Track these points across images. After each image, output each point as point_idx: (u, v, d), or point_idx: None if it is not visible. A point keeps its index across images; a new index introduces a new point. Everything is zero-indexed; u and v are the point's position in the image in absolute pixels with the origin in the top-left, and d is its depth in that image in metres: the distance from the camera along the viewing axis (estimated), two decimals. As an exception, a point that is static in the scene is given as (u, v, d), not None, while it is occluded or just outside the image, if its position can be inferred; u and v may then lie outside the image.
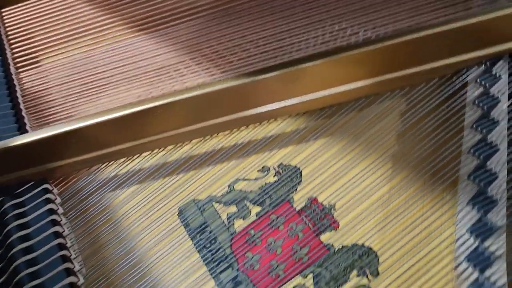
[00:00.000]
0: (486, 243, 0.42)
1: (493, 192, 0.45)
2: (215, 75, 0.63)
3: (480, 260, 0.41)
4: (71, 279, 0.48)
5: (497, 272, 0.40)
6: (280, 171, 0.58)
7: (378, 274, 0.47)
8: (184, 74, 0.66)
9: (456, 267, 0.42)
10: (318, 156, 0.57)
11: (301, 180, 0.56)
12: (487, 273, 0.41)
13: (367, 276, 0.48)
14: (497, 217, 0.43)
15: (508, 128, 0.48)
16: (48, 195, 0.55)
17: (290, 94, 0.57)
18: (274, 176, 0.58)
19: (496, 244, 0.42)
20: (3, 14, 0.84)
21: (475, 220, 0.44)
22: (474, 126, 0.50)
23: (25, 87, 0.72)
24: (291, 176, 0.57)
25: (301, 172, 0.57)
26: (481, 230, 0.43)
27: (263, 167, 0.59)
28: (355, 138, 0.57)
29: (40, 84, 0.72)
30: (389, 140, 0.57)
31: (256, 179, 0.58)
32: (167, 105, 0.54)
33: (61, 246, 0.50)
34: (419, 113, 0.55)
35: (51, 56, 0.78)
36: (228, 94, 0.55)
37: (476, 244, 0.42)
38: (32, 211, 0.54)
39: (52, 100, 0.70)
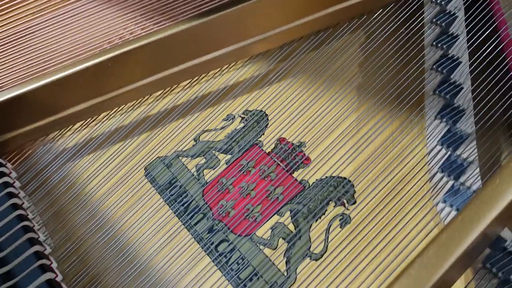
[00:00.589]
0: (458, 151, 0.42)
1: (459, 102, 0.45)
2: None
3: (453, 168, 0.41)
4: (37, 248, 0.45)
5: (472, 177, 0.40)
6: (246, 117, 0.56)
7: (355, 202, 0.47)
8: (135, 32, 0.63)
9: (431, 178, 0.42)
10: (282, 96, 0.56)
11: (267, 123, 0.55)
12: (462, 179, 0.40)
13: (344, 205, 0.47)
14: (466, 125, 0.43)
15: (468, 41, 0.48)
16: (1, 169, 0.52)
17: (243, 36, 0.55)
18: (240, 123, 0.56)
19: (468, 151, 0.42)
20: None
21: (444, 131, 0.44)
22: (435, 43, 0.50)
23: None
24: (257, 120, 0.56)
25: (267, 115, 0.56)
26: (452, 139, 0.43)
27: (227, 115, 0.57)
28: (317, 74, 0.56)
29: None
30: (352, 72, 0.56)
31: (221, 128, 0.56)
32: (118, 57, 0.51)
33: (22, 217, 0.47)
34: (379, 40, 0.55)
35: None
36: (180, 40, 0.52)
37: (448, 153, 0.42)
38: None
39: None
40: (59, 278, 0.43)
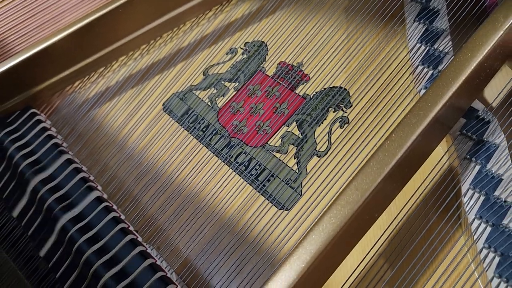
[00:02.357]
0: (435, 46, 0.49)
1: (434, 4, 0.51)
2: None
3: (432, 60, 0.48)
4: (82, 174, 0.53)
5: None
6: (246, 48, 0.63)
7: (351, 105, 0.54)
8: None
9: (414, 71, 0.49)
10: (276, 25, 0.63)
11: (267, 51, 0.62)
12: (440, 67, 0.48)
13: (342, 109, 0.54)
14: (442, 23, 0.50)
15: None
16: (38, 117, 0.59)
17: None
18: (242, 54, 0.63)
19: (444, 44, 0.49)
20: None
21: (423, 31, 0.50)
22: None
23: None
24: (257, 50, 0.63)
25: (265, 43, 0.63)
26: (429, 36, 0.50)
27: (230, 49, 0.64)
28: (306, 1, 0.63)
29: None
30: (338, -4, 0.62)
31: (225, 61, 0.63)
32: (129, 3, 0.58)
33: (63, 151, 0.55)
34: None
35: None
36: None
37: (427, 49, 0.49)
38: (27, 132, 0.58)
39: (10, 42, 0.72)
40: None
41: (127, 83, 0.64)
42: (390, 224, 0.43)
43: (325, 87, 0.57)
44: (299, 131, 0.55)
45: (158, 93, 0.63)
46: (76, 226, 0.49)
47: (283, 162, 0.53)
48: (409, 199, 0.43)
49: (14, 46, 0.72)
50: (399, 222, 0.43)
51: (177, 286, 0.44)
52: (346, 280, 0.41)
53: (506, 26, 0.40)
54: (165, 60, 0.65)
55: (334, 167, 0.51)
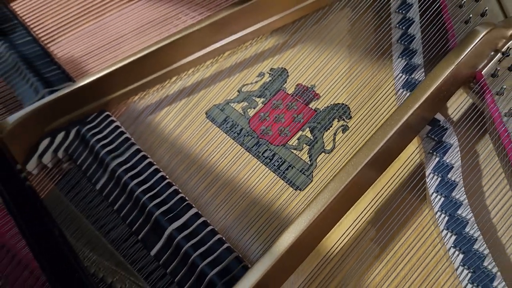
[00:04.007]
0: (413, 75, 0.69)
1: (414, 46, 0.71)
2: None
3: (410, 85, 0.68)
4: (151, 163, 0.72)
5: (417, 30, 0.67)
6: (272, 73, 0.83)
7: (351, 116, 0.74)
8: (185, 20, 0.90)
9: (396, 93, 0.69)
10: (296, 56, 0.83)
11: (288, 75, 0.82)
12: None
13: (344, 119, 0.74)
14: (418, 59, 0.70)
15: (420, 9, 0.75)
16: (111, 118, 0.79)
17: (266, 15, 0.83)
18: (268, 77, 0.83)
19: (419, 74, 0.68)
20: (13, 6, 1.04)
21: (404, 64, 0.70)
22: (397, 10, 0.76)
23: (56, 56, 0.95)
24: (280, 74, 0.83)
25: (286, 70, 0.83)
26: (409, 69, 0.69)
27: (259, 73, 0.84)
28: (319, 39, 0.83)
29: (68, 52, 0.94)
30: (343, 36, 0.83)
31: (256, 82, 0.83)
32: (184, 37, 0.78)
33: (133, 143, 0.74)
34: (360, 12, 0.81)
35: (68, 31, 1.00)
36: (223, 22, 0.80)
37: (407, 77, 0.69)
38: (104, 129, 0.77)
39: (82, 62, 0.93)
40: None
41: (179, 96, 0.84)
42: (375, 197, 0.61)
43: (331, 103, 0.76)
44: (311, 135, 0.74)
45: (203, 105, 0.83)
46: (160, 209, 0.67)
47: (299, 157, 0.72)
48: (390, 180, 0.62)
49: (88, 64, 0.92)
50: (382, 197, 0.62)
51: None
52: (341, 236, 0.60)
53: (456, 64, 0.60)
54: (210, 79, 0.85)
55: (336, 160, 0.70)
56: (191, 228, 0.63)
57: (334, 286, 0.58)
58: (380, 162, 0.60)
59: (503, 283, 0.52)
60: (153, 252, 0.64)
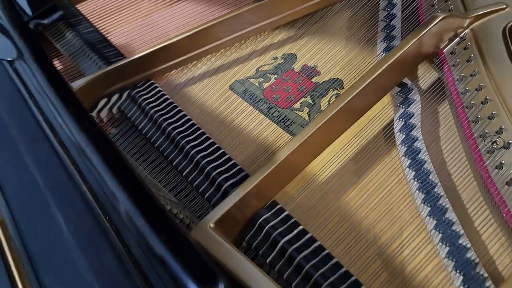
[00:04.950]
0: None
1: (393, 33, 0.92)
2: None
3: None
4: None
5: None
6: (284, 56, 1.05)
7: (343, 87, 0.94)
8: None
9: (377, 65, 0.89)
10: (302, 45, 1.05)
11: (296, 58, 1.03)
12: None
13: (337, 89, 0.94)
14: (397, 42, 0.90)
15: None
16: (155, 85, 1.01)
17: (280, 11, 1.05)
18: (280, 60, 1.04)
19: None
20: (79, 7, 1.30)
21: (384, 46, 0.91)
22: (384, 7, 0.98)
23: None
24: (291, 58, 1.04)
25: (296, 54, 1.04)
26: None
27: (273, 57, 1.06)
28: (323, 32, 1.05)
29: (121, 42, 1.18)
30: (342, 29, 1.04)
31: (270, 63, 1.05)
32: (221, 22, 1.01)
33: (176, 106, 0.96)
34: (357, 14, 1.03)
35: (121, 26, 1.24)
36: (250, 13, 1.02)
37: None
38: (150, 91, 0.99)
39: (132, 50, 1.16)
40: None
41: (209, 72, 1.06)
42: (356, 137, 0.81)
43: (328, 78, 0.97)
44: (311, 100, 0.95)
45: (226, 79, 1.04)
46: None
47: (300, 116, 0.93)
48: (368, 125, 0.82)
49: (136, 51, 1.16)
50: (362, 139, 0.82)
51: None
52: (326, 164, 0.79)
53: (417, 38, 0.80)
54: (233, 60, 1.07)
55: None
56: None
57: (316, 200, 0.77)
58: (356, 110, 0.80)
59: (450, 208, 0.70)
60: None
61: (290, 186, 0.79)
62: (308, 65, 1.02)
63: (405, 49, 0.79)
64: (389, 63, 0.78)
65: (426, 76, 0.87)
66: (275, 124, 0.93)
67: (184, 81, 1.06)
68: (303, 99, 0.96)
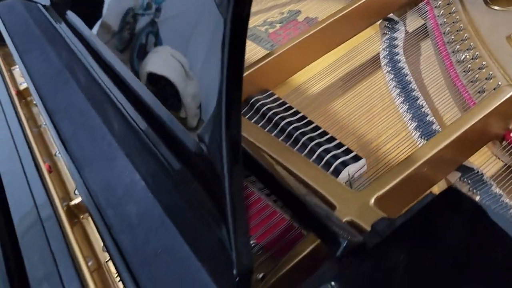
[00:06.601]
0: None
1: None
2: None
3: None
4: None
5: None
6: (290, 12, 1.19)
7: (339, 33, 1.07)
8: None
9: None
10: (307, 3, 1.19)
11: (301, 13, 1.17)
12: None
13: (334, 34, 1.07)
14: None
15: None
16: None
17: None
18: (286, 14, 1.18)
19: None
20: None
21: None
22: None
23: None
24: (296, 13, 1.18)
25: (300, 10, 1.18)
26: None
27: (280, 12, 1.19)
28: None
29: None
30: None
31: (277, 16, 1.18)
32: None
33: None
34: None
35: None
36: None
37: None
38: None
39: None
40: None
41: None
42: (347, 55, 0.93)
43: (328, 26, 1.10)
44: (310, 41, 1.07)
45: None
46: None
47: (299, 51, 1.05)
48: (357, 47, 0.94)
49: None
50: (352, 56, 0.94)
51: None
52: (320, 71, 0.91)
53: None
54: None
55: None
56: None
57: (310, 101, 0.88)
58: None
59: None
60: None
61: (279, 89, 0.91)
62: (310, 16, 1.15)
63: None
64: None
65: (412, 17, 1.01)
66: (276, 58, 1.05)
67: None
68: (303, 40, 1.08)
